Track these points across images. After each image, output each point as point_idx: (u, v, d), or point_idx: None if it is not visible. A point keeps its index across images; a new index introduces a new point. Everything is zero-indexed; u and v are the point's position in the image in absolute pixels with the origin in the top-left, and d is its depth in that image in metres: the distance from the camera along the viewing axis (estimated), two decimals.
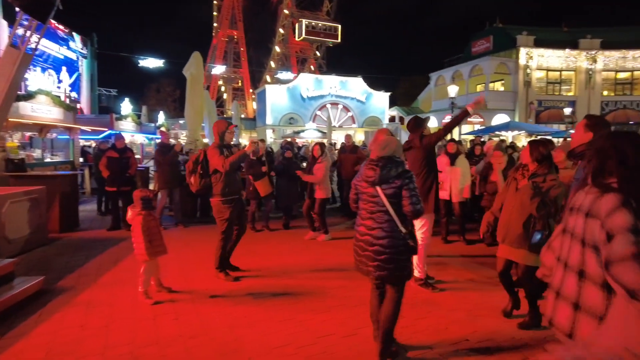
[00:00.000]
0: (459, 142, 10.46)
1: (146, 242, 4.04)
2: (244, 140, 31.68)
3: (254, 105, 51.19)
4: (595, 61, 28.40)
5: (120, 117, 14.23)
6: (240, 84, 62.01)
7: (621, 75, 29.08)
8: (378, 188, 2.94)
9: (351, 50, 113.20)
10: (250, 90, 59.20)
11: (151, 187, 9.37)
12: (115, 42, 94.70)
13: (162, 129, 16.72)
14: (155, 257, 4.17)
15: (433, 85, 34.24)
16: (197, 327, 3.59)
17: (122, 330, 3.53)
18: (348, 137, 9.09)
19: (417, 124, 4.79)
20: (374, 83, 35.15)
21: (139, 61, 28.93)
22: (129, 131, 14.19)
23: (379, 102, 34.30)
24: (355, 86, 33.57)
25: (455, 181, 6.59)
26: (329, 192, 6.90)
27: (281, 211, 8.32)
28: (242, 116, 39.48)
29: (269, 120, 31.47)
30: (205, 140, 12.11)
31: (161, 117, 19.14)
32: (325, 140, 23.36)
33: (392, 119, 34.72)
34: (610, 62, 28.67)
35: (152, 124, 18.40)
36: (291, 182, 7.72)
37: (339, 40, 51.41)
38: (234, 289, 4.54)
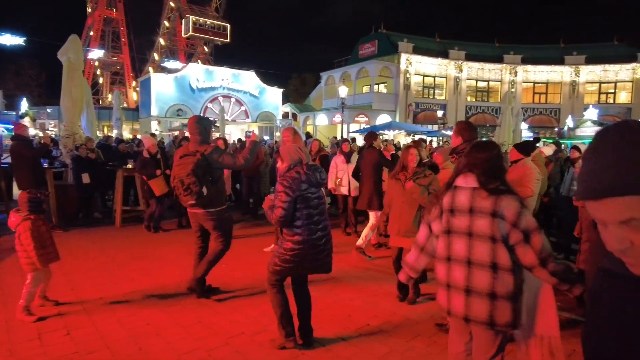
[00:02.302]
0: (353, 140, 11.14)
1: (38, 248, 3.56)
2: (126, 132, 29.11)
3: (134, 95, 47.33)
4: (461, 70, 32.48)
5: None
6: (119, 68, 56.53)
7: (480, 84, 33.75)
8: (322, 188, 3.18)
9: (242, 44, 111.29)
10: (132, 75, 54.41)
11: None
12: None
13: (27, 118, 14.54)
14: (48, 265, 3.71)
15: (324, 84, 35.53)
16: (95, 341, 3.30)
17: None
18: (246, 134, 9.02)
19: (370, 136, 6.34)
20: (267, 79, 35.21)
21: None
22: None
23: (273, 98, 34.44)
24: (248, 80, 33.17)
25: (351, 177, 7.04)
26: (228, 189, 6.81)
27: (175, 210, 7.94)
28: (123, 106, 36.09)
29: (154, 111, 29.41)
30: (81, 131, 10.88)
31: (24, 104, 16.50)
32: (217, 134, 22.70)
33: (285, 115, 35.15)
34: (472, 72, 33.09)
35: (13, 112, 15.78)
36: None
37: (229, 40, 49.81)
38: (133, 295, 4.26)
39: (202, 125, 4.10)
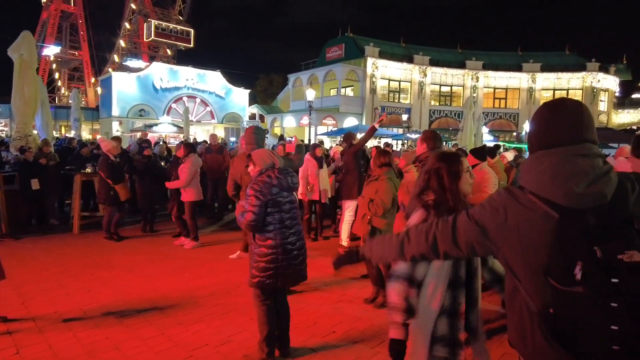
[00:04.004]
0: (321, 143, 11.12)
1: None
2: (85, 133, 27.95)
3: (95, 94, 45.58)
4: (425, 75, 33.29)
5: None
6: (79, 64, 54.03)
7: (444, 89, 34.73)
8: (295, 192, 3.21)
9: (207, 44, 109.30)
10: (92, 72, 52.23)
11: None
12: None
13: None
14: None
15: (291, 86, 35.46)
16: (48, 359, 3.14)
17: None
18: (213, 136, 8.87)
19: (348, 136, 6.95)
20: (233, 79, 34.76)
21: None
22: None
23: (239, 99, 34.03)
24: (214, 80, 32.63)
25: (323, 183, 7.06)
26: (199, 194, 6.62)
27: (140, 215, 7.70)
28: (82, 105, 34.56)
29: (116, 111, 28.40)
30: (35, 132, 10.34)
31: None
32: (182, 135, 22.15)
33: (252, 117, 34.81)
34: (436, 77, 34.01)
35: None
36: (152, 183, 7.23)
37: (192, 45, 48.58)
38: (91, 308, 4.07)
39: (259, 135, 4.49)
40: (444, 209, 1.87)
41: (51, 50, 43.42)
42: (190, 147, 6.79)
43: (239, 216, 3.08)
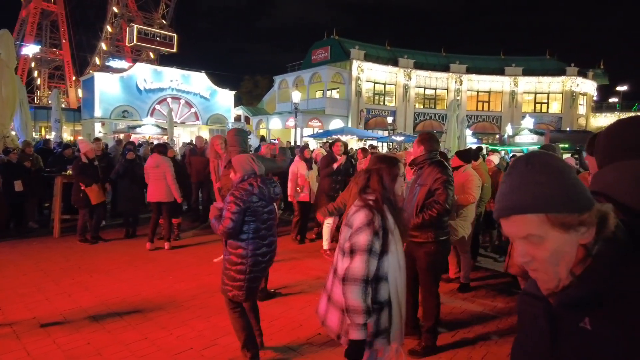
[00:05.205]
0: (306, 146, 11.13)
1: None
2: (67, 134, 27.37)
3: (76, 94, 44.76)
4: (410, 78, 33.61)
5: None
6: (57, 61, 52.80)
7: (428, 92, 35.13)
8: (274, 204, 3.18)
9: (192, 46, 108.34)
10: (73, 71, 51.16)
11: None
12: None
13: None
14: None
15: (277, 88, 35.38)
16: None
17: None
18: (199, 138, 8.80)
19: (334, 144, 7.06)
20: (218, 80, 34.58)
21: None
22: None
23: (224, 100, 33.81)
24: (199, 82, 32.36)
25: (312, 183, 7.06)
26: (154, 195, 6.48)
27: (122, 218, 7.57)
28: (63, 106, 33.85)
29: (98, 112, 27.92)
30: (13, 133, 10.10)
31: None
32: (166, 137, 21.86)
33: (237, 118, 34.62)
34: (421, 80, 34.38)
35: None
36: (134, 185, 7.12)
37: (175, 50, 47.91)
38: (71, 313, 3.99)
39: (241, 137, 4.36)
40: (385, 205, 2.00)
41: (30, 50, 42.41)
42: (155, 146, 6.82)
43: (213, 221, 2.98)
